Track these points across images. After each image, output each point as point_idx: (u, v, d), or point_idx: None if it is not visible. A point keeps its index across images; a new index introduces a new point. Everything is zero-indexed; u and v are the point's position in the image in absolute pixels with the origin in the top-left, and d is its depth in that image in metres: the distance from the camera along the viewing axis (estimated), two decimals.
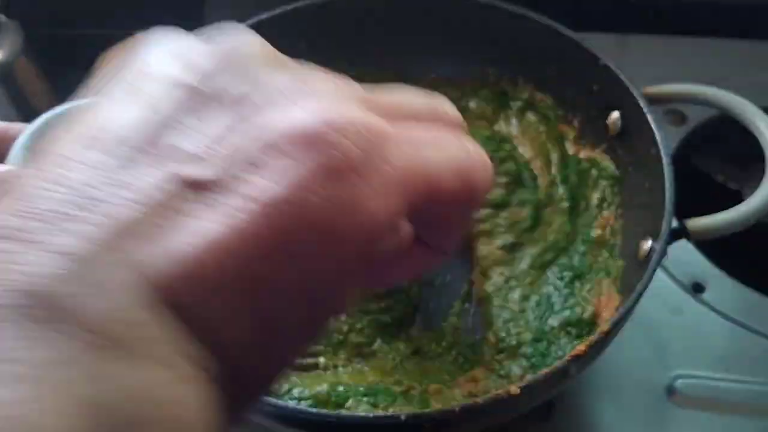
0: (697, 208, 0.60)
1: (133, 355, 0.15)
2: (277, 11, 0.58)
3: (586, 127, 0.57)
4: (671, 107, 0.67)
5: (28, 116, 0.77)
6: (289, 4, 0.60)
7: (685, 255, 0.57)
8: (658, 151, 0.47)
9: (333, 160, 0.17)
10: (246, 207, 0.16)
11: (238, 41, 0.20)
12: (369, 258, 0.18)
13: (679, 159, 0.65)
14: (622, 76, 0.52)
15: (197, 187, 0.17)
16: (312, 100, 0.18)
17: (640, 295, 0.41)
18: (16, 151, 0.46)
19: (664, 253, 0.43)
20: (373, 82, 0.22)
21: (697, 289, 0.58)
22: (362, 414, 0.42)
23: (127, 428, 0.14)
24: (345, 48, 0.60)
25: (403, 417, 0.36)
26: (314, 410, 0.42)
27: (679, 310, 0.56)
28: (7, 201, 0.16)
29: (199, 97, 0.18)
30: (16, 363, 0.14)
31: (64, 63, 0.89)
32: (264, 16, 0.57)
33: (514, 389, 0.37)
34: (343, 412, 0.43)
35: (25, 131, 0.47)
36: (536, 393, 0.40)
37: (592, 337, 0.39)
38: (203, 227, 0.16)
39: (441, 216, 0.21)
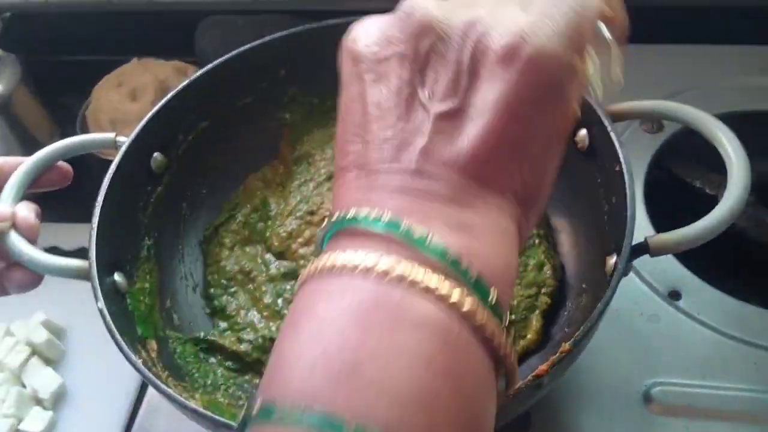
0: (674, 214, 0.61)
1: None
2: (264, 40, 0.60)
3: None
4: None
5: (28, 145, 0.80)
6: (273, 32, 0.62)
7: (661, 263, 0.58)
8: (621, 169, 0.48)
9: (518, 60, 0.27)
10: (485, 112, 0.27)
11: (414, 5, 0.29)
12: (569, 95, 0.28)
13: (656, 166, 0.66)
14: (586, 96, 0.53)
15: (448, 116, 0.27)
16: (486, 29, 0.27)
17: (602, 312, 0.42)
18: (8, 189, 0.48)
19: (625, 269, 0.44)
20: None
21: (673, 296, 0.59)
22: None
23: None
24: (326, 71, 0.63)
25: None
26: None
27: (656, 318, 0.58)
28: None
29: (409, 61, 0.28)
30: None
31: (62, 89, 0.92)
32: (248, 46, 0.60)
33: None
34: None
35: (18, 169, 0.49)
36: (506, 409, 0.41)
37: (554, 357, 0.41)
38: (468, 133, 0.27)
39: None
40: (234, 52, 0.60)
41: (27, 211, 0.48)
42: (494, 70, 0.26)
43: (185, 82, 0.58)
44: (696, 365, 0.55)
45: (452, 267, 0.25)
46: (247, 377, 0.55)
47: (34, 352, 0.69)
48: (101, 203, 0.50)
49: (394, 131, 0.27)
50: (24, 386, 0.68)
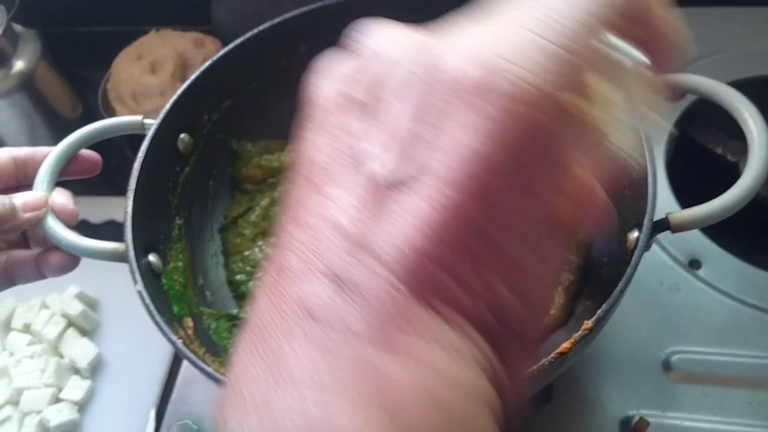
0: (695, 182, 0.62)
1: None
2: (283, 17, 0.60)
3: None
4: None
5: (51, 120, 0.81)
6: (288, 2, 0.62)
7: (681, 233, 0.59)
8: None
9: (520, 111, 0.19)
10: (438, 190, 0.19)
11: (383, 45, 0.22)
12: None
13: (678, 132, 0.66)
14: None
15: (395, 185, 0.20)
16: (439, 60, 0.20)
17: (623, 291, 0.43)
18: (41, 176, 0.49)
19: (645, 246, 0.45)
20: None
21: (693, 265, 0.60)
22: None
23: None
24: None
25: None
26: None
27: (677, 287, 0.58)
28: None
29: (363, 108, 0.21)
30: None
31: (81, 61, 0.92)
32: (267, 24, 0.60)
33: None
34: None
35: (49, 156, 0.51)
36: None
37: (576, 335, 0.42)
38: (416, 211, 0.19)
39: None
40: (254, 31, 0.60)
41: (64, 198, 0.49)
42: (461, 114, 0.19)
43: (207, 63, 0.58)
44: (715, 333, 0.56)
45: None
46: None
47: (70, 323, 0.72)
48: (134, 187, 0.52)
49: (331, 195, 0.21)
50: (62, 357, 0.71)
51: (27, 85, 0.78)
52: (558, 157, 0.19)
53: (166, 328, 0.45)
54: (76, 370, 0.70)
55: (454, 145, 0.19)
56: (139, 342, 0.71)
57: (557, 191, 0.20)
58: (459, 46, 0.20)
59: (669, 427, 0.52)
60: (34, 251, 0.49)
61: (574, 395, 0.54)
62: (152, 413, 0.67)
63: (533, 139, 0.19)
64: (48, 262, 0.48)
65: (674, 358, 0.55)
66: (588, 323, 0.42)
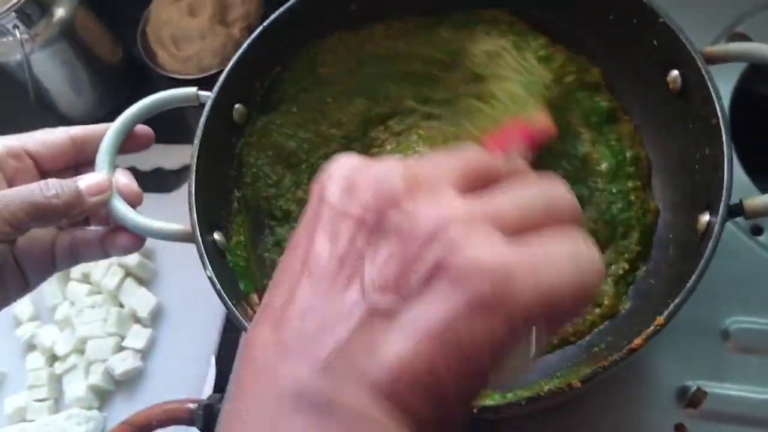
0: (761, 138, 0.60)
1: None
2: None
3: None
4: (740, 32, 0.65)
5: (92, 66, 0.80)
6: None
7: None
8: (719, 125, 0.47)
9: (474, 299, 0.23)
10: (417, 333, 0.23)
11: (386, 173, 0.26)
12: (497, 362, 0.24)
13: (743, 87, 0.64)
14: (681, 36, 0.50)
15: (381, 314, 0.24)
16: (456, 242, 0.24)
17: (694, 288, 0.43)
18: (102, 155, 0.49)
19: (719, 235, 0.44)
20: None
21: (755, 231, 0.59)
22: None
23: None
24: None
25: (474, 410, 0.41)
26: None
27: (737, 254, 0.58)
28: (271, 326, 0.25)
29: (365, 228, 0.25)
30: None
31: (119, 3, 0.90)
32: None
33: (576, 382, 0.41)
34: None
35: (107, 135, 0.50)
36: (596, 381, 0.43)
37: (648, 331, 0.42)
38: (392, 348, 0.23)
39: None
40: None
41: (127, 179, 0.49)
42: (448, 288, 0.23)
43: (257, 32, 0.56)
44: None
45: None
46: None
47: (128, 273, 0.74)
48: (195, 165, 0.51)
49: (322, 303, 0.25)
50: (122, 306, 0.73)
51: (68, 32, 0.76)
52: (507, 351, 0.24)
53: (239, 315, 0.46)
54: (137, 319, 0.72)
55: (442, 306, 0.23)
56: (195, 290, 0.72)
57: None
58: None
59: (726, 398, 0.53)
60: (100, 231, 0.50)
61: (630, 364, 0.55)
62: (212, 360, 0.69)
63: (510, 328, 0.23)
64: (114, 243, 0.49)
65: (733, 328, 0.56)
66: (660, 319, 0.42)
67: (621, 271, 0.54)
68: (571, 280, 0.24)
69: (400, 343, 0.23)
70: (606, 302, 0.53)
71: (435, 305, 0.23)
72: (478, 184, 0.27)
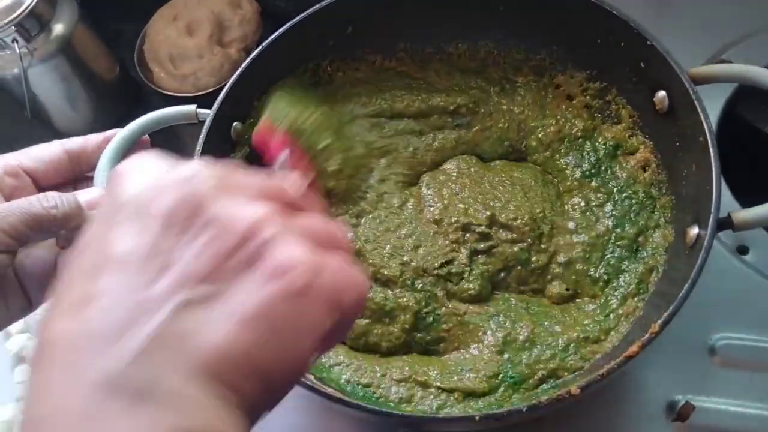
0: (743, 161, 0.62)
1: (198, 408, 0.24)
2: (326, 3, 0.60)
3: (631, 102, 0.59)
4: (724, 59, 0.68)
5: (89, 82, 0.80)
6: None
7: None
8: (707, 143, 0.49)
9: (289, 288, 0.25)
10: (233, 318, 0.24)
11: (195, 172, 0.27)
12: (315, 345, 0.26)
13: (729, 111, 0.66)
14: (669, 58, 0.52)
15: (197, 303, 0.24)
16: (272, 240, 0.26)
17: (688, 294, 0.44)
18: (101, 171, 0.50)
19: (710, 247, 0.46)
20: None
21: (741, 251, 0.61)
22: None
23: None
24: (387, 28, 0.64)
25: (477, 417, 0.42)
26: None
27: (724, 273, 0.59)
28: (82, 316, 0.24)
29: (176, 226, 0.25)
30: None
31: (117, 20, 0.91)
32: (315, 8, 0.60)
33: (574, 390, 0.42)
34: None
35: (106, 151, 0.50)
36: (594, 389, 0.44)
37: (644, 339, 0.43)
38: (209, 334, 0.24)
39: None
40: (300, 16, 0.59)
41: None
42: (264, 278, 0.25)
43: (255, 53, 0.58)
44: (762, 319, 0.57)
45: None
46: None
47: None
48: None
49: (129, 295, 0.24)
50: None
51: (66, 48, 0.76)
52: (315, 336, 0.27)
53: None
54: None
55: (257, 293, 0.25)
56: None
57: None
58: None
59: (714, 412, 0.54)
60: None
61: (620, 378, 0.56)
62: None
63: (315, 317, 0.26)
64: None
65: (720, 344, 0.57)
66: (654, 327, 0.43)
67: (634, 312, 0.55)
68: (355, 281, 0.28)
69: (218, 329, 0.24)
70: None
71: (251, 294, 0.25)
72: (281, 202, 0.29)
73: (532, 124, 0.64)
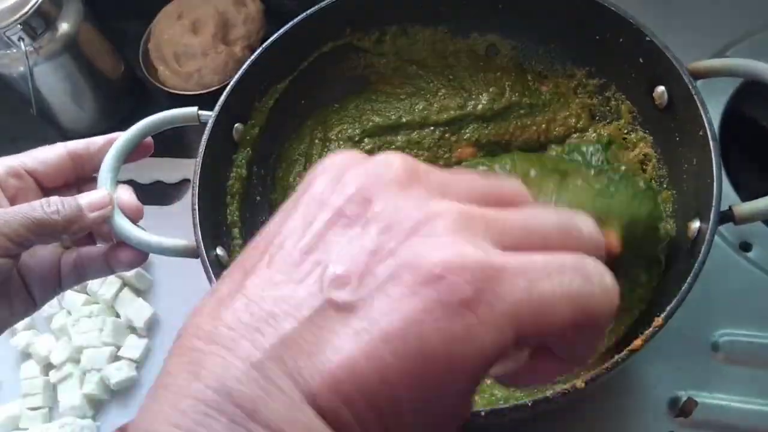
0: (747, 159, 0.62)
1: None
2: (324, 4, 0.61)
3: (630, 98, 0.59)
4: (727, 55, 0.68)
5: (94, 80, 0.81)
6: None
7: None
8: (706, 136, 0.49)
9: (447, 297, 0.20)
10: (372, 331, 0.20)
11: (382, 165, 0.23)
12: (478, 380, 0.21)
13: (732, 109, 0.66)
14: (668, 53, 0.52)
15: (338, 308, 0.21)
16: (436, 237, 0.21)
17: (691, 287, 0.44)
18: (104, 173, 0.50)
19: (711, 240, 0.46)
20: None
21: (744, 247, 0.60)
22: None
23: None
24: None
25: (483, 413, 0.42)
26: None
27: (726, 269, 0.59)
28: (208, 312, 0.22)
29: (344, 219, 0.22)
30: None
31: (121, 18, 0.92)
32: (314, 9, 0.60)
33: (580, 384, 0.42)
34: None
35: (109, 153, 0.51)
36: (599, 382, 0.44)
37: (648, 332, 0.43)
38: (341, 347, 0.20)
39: (564, 339, 0.22)
40: (298, 18, 0.60)
41: (128, 196, 0.50)
42: (417, 284, 0.20)
43: (257, 53, 0.58)
44: (766, 316, 0.57)
45: None
46: None
47: (125, 284, 0.74)
48: (198, 183, 0.52)
49: (274, 292, 0.22)
50: (118, 316, 0.73)
51: (72, 46, 0.77)
52: (476, 375, 0.21)
53: None
54: (133, 329, 0.73)
55: (406, 307, 0.20)
56: (190, 301, 0.71)
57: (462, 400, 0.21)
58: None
59: (716, 408, 0.54)
60: (103, 247, 0.50)
61: (623, 374, 0.56)
62: None
63: (479, 350, 0.20)
64: (117, 258, 0.49)
65: (723, 340, 0.57)
66: (659, 320, 0.43)
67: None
68: (570, 289, 0.21)
69: (350, 341, 0.20)
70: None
71: (399, 302, 0.20)
72: (488, 203, 0.23)
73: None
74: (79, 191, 0.51)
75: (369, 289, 0.20)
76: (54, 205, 0.44)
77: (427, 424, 0.21)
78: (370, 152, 0.66)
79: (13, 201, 0.47)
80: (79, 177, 0.51)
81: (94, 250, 0.50)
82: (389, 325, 0.20)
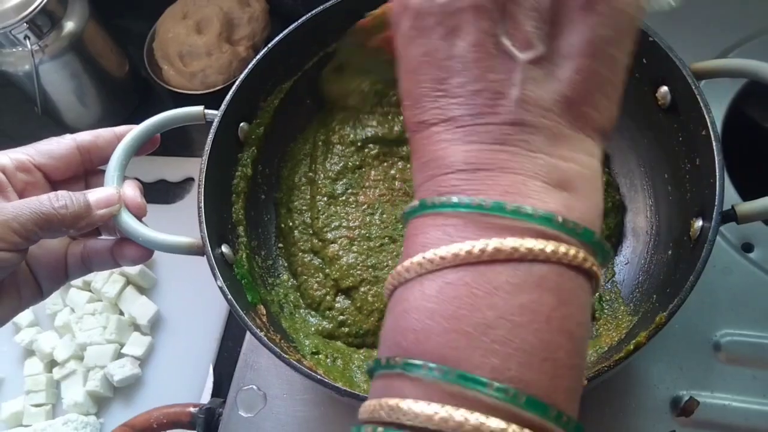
0: (750, 160, 0.62)
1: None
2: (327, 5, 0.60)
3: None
4: (731, 56, 0.68)
5: (99, 79, 0.81)
6: None
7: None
8: (709, 136, 0.49)
9: (624, 26, 0.29)
10: (582, 50, 0.28)
11: None
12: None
13: (734, 110, 0.66)
14: (671, 53, 0.52)
15: (536, 63, 0.28)
16: None
17: (693, 285, 0.44)
18: (111, 170, 0.50)
19: (714, 239, 0.46)
20: None
21: (746, 248, 0.61)
22: None
23: None
24: None
25: None
26: None
27: (728, 270, 0.59)
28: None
29: (492, 10, 0.28)
30: None
31: (126, 17, 0.92)
32: (318, 9, 0.60)
33: (583, 381, 0.42)
34: None
35: (117, 150, 0.51)
36: (602, 379, 0.44)
37: (651, 329, 0.43)
38: (562, 74, 0.28)
39: None
40: (303, 18, 0.60)
41: (133, 191, 0.50)
42: (576, 16, 0.27)
43: (262, 53, 0.58)
44: (767, 316, 0.57)
45: (560, 228, 0.27)
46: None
47: (129, 281, 0.75)
48: (203, 181, 0.52)
49: (484, 83, 0.27)
50: (122, 314, 0.74)
51: (77, 45, 0.77)
52: (634, 32, 0.30)
53: (250, 323, 0.47)
54: (137, 327, 0.73)
55: (581, 31, 0.28)
56: (194, 300, 0.74)
57: (629, 49, 0.30)
58: None
59: (718, 408, 0.54)
60: (110, 241, 0.50)
61: (626, 374, 0.57)
62: (210, 368, 0.70)
63: (627, 25, 0.29)
64: (123, 253, 0.49)
65: (725, 340, 0.57)
66: (662, 317, 0.44)
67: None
68: None
69: (565, 70, 0.28)
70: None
71: (575, 32, 0.27)
72: None
73: None
74: (87, 183, 0.51)
75: (560, 29, 0.28)
76: (62, 200, 0.45)
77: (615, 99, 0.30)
78: (376, 156, 0.66)
79: (21, 195, 0.47)
80: (87, 169, 0.51)
81: (101, 243, 0.50)
82: (592, 45, 0.28)
